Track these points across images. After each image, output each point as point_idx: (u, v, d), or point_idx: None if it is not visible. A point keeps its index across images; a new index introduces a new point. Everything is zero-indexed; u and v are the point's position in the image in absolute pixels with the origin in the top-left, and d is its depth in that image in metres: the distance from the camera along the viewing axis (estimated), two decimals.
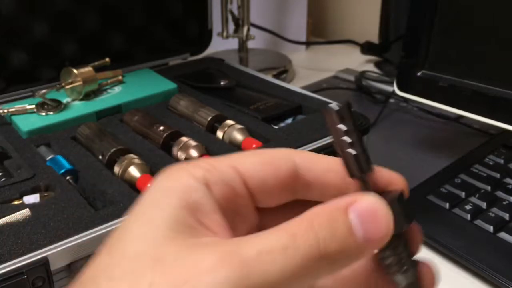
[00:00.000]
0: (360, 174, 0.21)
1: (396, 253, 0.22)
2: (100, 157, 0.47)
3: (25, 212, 0.39)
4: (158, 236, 0.18)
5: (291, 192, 0.23)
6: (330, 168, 0.23)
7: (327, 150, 0.48)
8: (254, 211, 0.23)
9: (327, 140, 0.49)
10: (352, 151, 0.21)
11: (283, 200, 0.23)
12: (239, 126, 0.51)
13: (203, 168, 0.21)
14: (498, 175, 0.53)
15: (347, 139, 0.21)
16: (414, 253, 0.23)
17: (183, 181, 0.20)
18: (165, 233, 0.19)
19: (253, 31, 0.92)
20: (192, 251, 0.18)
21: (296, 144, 0.48)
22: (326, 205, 0.19)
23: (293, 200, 0.24)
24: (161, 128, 0.51)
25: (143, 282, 0.17)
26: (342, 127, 0.21)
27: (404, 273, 0.22)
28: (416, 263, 0.23)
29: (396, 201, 0.21)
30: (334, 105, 0.21)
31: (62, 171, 0.45)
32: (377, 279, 0.24)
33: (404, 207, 0.21)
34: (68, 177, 0.45)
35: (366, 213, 0.19)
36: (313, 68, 0.97)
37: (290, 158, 0.22)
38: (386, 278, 0.23)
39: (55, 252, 0.35)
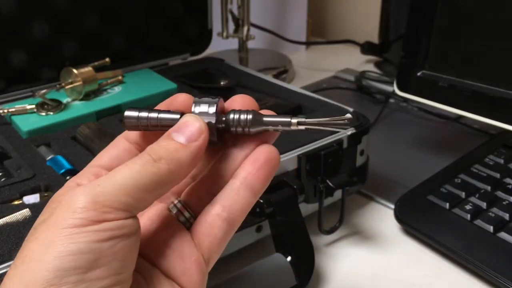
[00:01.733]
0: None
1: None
2: None
3: (25, 212, 0.39)
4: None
5: None
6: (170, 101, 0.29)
7: (327, 150, 0.48)
8: None
9: (327, 140, 0.49)
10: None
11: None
12: None
13: (73, 180, 0.26)
14: (498, 175, 0.53)
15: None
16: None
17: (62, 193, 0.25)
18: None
19: (253, 31, 0.92)
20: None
21: (296, 144, 0.48)
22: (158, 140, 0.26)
23: None
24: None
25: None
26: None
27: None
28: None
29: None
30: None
31: (62, 171, 0.45)
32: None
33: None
34: (68, 177, 0.45)
35: (181, 125, 0.26)
36: (313, 68, 0.97)
37: (119, 139, 0.28)
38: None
39: None
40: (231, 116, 0.27)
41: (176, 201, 0.27)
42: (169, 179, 0.24)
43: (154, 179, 0.24)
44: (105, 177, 0.23)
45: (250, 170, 0.27)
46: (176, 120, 0.27)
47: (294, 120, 0.27)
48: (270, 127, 0.27)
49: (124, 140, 0.28)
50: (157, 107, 0.28)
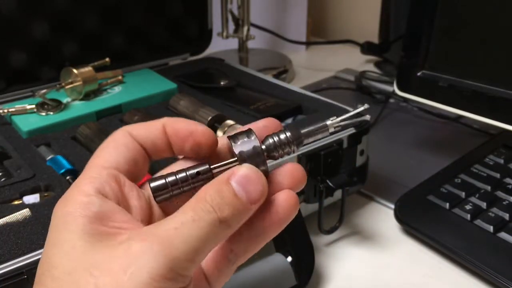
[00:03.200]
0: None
1: None
2: None
3: (25, 212, 0.39)
4: (79, 253, 0.22)
5: (170, 151, 0.27)
6: (190, 128, 0.27)
7: (327, 150, 0.48)
8: None
9: (327, 140, 0.49)
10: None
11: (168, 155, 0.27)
12: (239, 126, 0.51)
13: (87, 183, 0.24)
14: (498, 175, 0.53)
15: None
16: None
17: (78, 202, 0.23)
18: (85, 246, 0.22)
19: (253, 31, 0.92)
20: (115, 249, 0.22)
21: None
22: (212, 182, 0.24)
23: None
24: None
25: None
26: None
27: None
28: None
29: (256, 156, 0.25)
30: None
31: (62, 171, 0.45)
32: None
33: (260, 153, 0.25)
34: (68, 177, 0.45)
35: (243, 179, 0.24)
36: (313, 68, 0.97)
37: (157, 127, 0.27)
38: None
39: None
40: (270, 141, 0.26)
41: None
42: (223, 240, 0.24)
43: (214, 240, 0.23)
44: (176, 234, 0.22)
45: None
46: (209, 173, 0.25)
47: (330, 122, 0.26)
48: (310, 139, 0.26)
49: (128, 136, 0.27)
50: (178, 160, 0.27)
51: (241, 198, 0.23)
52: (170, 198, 0.25)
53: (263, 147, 0.25)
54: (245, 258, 0.27)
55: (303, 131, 0.26)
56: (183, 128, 0.26)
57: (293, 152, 0.26)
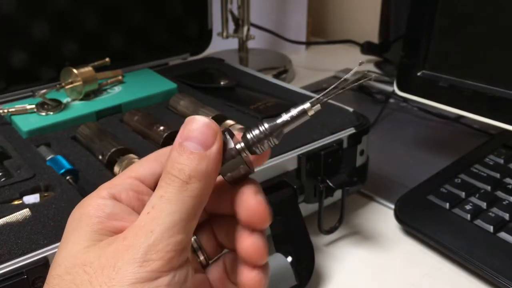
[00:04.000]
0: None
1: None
2: (100, 157, 0.47)
3: (25, 212, 0.39)
4: (80, 249, 0.23)
5: None
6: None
7: (327, 150, 0.48)
8: None
9: (327, 140, 0.49)
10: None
11: None
12: (239, 126, 0.51)
13: (106, 188, 0.26)
14: (498, 175, 0.53)
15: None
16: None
17: (93, 204, 0.25)
18: (88, 244, 0.23)
19: (253, 31, 0.92)
20: (110, 246, 0.23)
21: (296, 144, 0.48)
22: (170, 152, 0.24)
23: None
24: (161, 128, 0.51)
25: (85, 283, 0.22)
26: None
27: None
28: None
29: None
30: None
31: (62, 171, 0.45)
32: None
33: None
34: (68, 177, 0.45)
35: (188, 132, 0.24)
36: (313, 68, 0.97)
37: (168, 150, 0.26)
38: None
39: (55, 252, 0.35)
40: (248, 136, 0.26)
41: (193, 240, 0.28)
42: (205, 195, 0.24)
43: (194, 202, 0.24)
44: (152, 220, 0.23)
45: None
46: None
47: (307, 105, 0.25)
48: (291, 126, 0.26)
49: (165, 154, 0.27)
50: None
51: (195, 151, 0.24)
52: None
53: (242, 145, 0.26)
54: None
55: (279, 121, 0.26)
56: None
57: (274, 143, 0.26)
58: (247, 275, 0.26)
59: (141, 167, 0.27)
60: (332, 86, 0.26)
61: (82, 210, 0.25)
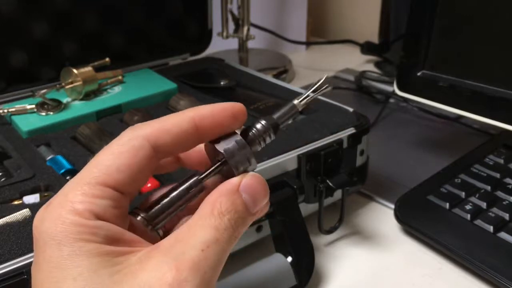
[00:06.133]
0: None
1: None
2: None
3: (25, 212, 0.39)
4: (99, 283, 0.21)
5: (151, 171, 0.25)
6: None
7: (327, 150, 0.48)
8: None
9: (327, 140, 0.49)
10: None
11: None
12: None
13: (83, 203, 0.22)
14: (498, 175, 0.53)
15: None
16: None
17: (78, 227, 0.21)
18: (103, 277, 0.21)
19: (253, 31, 0.92)
20: (136, 274, 0.21)
21: (296, 144, 0.48)
22: (223, 190, 0.24)
23: None
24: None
25: None
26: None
27: None
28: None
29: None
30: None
31: (62, 171, 0.45)
32: None
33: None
34: (68, 177, 0.45)
35: (252, 190, 0.24)
36: (313, 68, 0.97)
37: (146, 147, 0.24)
38: None
39: None
40: (250, 133, 0.26)
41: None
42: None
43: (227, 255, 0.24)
44: (204, 257, 0.22)
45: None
46: (200, 184, 0.25)
47: (296, 102, 0.28)
48: (285, 121, 0.27)
49: (147, 145, 0.24)
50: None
51: (249, 209, 0.24)
52: (168, 220, 0.26)
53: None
54: None
55: (275, 116, 0.27)
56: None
57: (271, 138, 0.27)
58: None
59: (119, 174, 0.23)
60: (319, 83, 0.29)
61: (61, 231, 0.21)
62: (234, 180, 0.25)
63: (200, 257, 0.22)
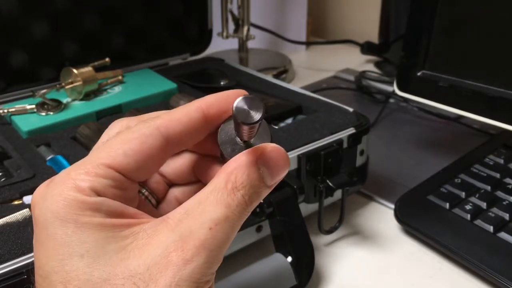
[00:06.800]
0: None
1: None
2: None
3: (25, 212, 0.39)
4: (107, 259, 0.21)
5: (161, 161, 0.25)
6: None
7: (327, 150, 0.48)
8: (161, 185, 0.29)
9: (327, 140, 0.49)
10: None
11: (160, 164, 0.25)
12: None
13: (83, 180, 0.22)
14: (498, 175, 0.53)
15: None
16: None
17: (79, 203, 0.21)
18: (110, 252, 0.21)
19: (253, 31, 0.92)
20: (144, 248, 0.21)
21: (296, 144, 0.48)
22: (239, 162, 0.23)
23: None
24: None
25: None
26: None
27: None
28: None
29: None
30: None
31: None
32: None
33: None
34: None
35: (271, 162, 0.23)
36: (313, 68, 0.97)
37: (156, 135, 0.24)
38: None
39: None
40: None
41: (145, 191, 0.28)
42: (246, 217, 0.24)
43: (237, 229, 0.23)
44: (213, 239, 0.21)
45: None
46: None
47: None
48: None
49: (158, 133, 0.24)
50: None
51: (266, 182, 0.23)
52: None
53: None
54: None
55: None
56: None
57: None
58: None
59: (125, 158, 0.23)
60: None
61: (62, 208, 0.21)
62: (252, 151, 0.23)
63: (207, 236, 0.21)
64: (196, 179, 0.29)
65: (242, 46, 0.94)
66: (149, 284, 0.20)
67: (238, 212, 0.22)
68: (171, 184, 0.29)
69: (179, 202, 0.27)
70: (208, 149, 0.27)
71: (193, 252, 0.21)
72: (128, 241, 0.21)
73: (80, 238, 0.21)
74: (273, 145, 0.24)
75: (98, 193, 0.22)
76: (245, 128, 0.22)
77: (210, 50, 0.82)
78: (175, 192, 0.29)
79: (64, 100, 0.58)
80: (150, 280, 0.20)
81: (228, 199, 0.22)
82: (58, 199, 0.21)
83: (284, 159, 0.24)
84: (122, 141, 0.23)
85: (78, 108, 0.57)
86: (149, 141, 0.23)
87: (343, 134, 0.50)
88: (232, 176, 0.22)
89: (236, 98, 0.21)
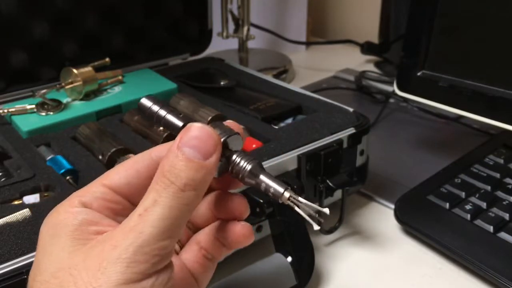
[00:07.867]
0: None
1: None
2: (100, 157, 0.47)
3: (25, 212, 0.39)
4: (65, 255, 0.24)
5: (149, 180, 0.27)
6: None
7: (327, 150, 0.48)
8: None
9: (327, 140, 0.49)
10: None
11: None
12: (240, 126, 0.51)
13: (77, 196, 0.26)
14: (498, 175, 0.53)
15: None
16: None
17: (64, 213, 0.25)
18: (71, 250, 0.24)
19: (253, 31, 0.92)
20: (93, 249, 0.23)
21: (296, 144, 0.48)
22: (166, 154, 0.24)
23: None
24: (161, 128, 0.51)
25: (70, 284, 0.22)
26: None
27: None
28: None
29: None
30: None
31: (62, 171, 0.45)
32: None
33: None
34: (68, 177, 0.45)
35: (193, 140, 0.24)
36: (313, 68, 0.97)
37: (146, 157, 0.27)
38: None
39: None
40: (234, 156, 0.27)
41: None
42: (196, 204, 0.25)
43: (186, 209, 0.24)
44: (144, 222, 0.23)
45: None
46: (178, 129, 0.26)
47: (287, 194, 0.27)
48: (263, 186, 0.27)
49: (148, 156, 0.27)
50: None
51: (194, 159, 0.24)
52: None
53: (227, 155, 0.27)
54: (222, 256, 0.30)
55: (262, 177, 0.28)
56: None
57: (242, 180, 0.27)
58: (236, 228, 0.29)
59: (117, 175, 0.27)
60: (313, 206, 0.28)
61: (55, 219, 0.25)
62: (176, 139, 0.25)
63: (136, 222, 0.23)
64: (215, 219, 0.30)
65: (242, 46, 0.94)
66: (81, 272, 0.22)
67: (168, 194, 0.23)
68: (194, 229, 0.31)
69: (200, 245, 0.30)
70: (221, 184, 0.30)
71: (121, 237, 0.23)
72: (91, 243, 0.24)
73: (51, 241, 0.25)
74: (191, 124, 0.25)
75: (85, 205, 0.26)
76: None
77: (210, 50, 0.82)
78: (197, 236, 0.31)
79: (64, 100, 0.58)
80: (83, 269, 0.23)
81: (156, 186, 0.24)
82: (53, 214, 0.26)
83: (206, 132, 0.25)
84: (121, 165, 0.27)
85: (78, 108, 0.57)
86: (140, 160, 0.27)
87: (343, 134, 0.50)
88: (159, 168, 0.24)
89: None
